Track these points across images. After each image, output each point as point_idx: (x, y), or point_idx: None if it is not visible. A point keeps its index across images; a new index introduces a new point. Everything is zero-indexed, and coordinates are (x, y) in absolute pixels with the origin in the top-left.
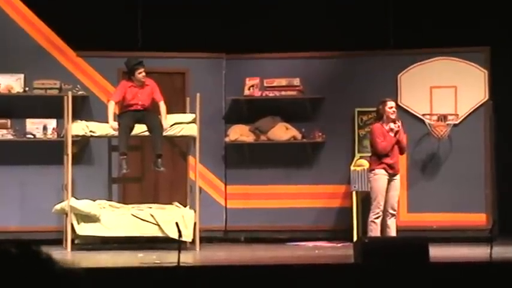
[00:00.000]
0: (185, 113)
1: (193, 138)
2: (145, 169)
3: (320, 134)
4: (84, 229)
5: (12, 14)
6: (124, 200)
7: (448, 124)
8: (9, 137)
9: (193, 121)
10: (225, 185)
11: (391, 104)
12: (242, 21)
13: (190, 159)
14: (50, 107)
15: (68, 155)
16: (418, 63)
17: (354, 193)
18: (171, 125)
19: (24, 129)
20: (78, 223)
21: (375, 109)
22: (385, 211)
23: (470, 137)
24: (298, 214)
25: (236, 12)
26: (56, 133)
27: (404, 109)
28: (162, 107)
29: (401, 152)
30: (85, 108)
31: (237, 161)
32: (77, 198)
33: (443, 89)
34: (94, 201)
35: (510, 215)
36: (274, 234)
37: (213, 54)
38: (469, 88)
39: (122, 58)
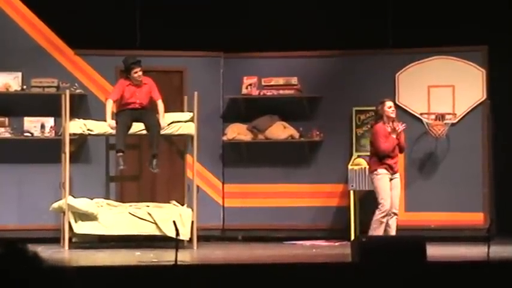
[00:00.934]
0: (183, 111)
1: (191, 136)
2: (143, 168)
3: (318, 133)
4: (82, 227)
5: (10, 13)
6: (121, 198)
7: (445, 123)
8: (7, 135)
9: (191, 120)
10: (223, 183)
11: (389, 103)
12: (240, 20)
13: (188, 157)
14: (47, 105)
15: (65, 153)
16: (416, 62)
17: (351, 192)
18: (169, 124)
19: (22, 128)
20: (76, 221)
21: (373, 108)
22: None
23: (468, 136)
24: (295, 213)
25: (234, 11)
26: (53, 131)
27: (402, 108)
28: (160, 105)
29: (400, 151)
30: (83, 106)
31: (235, 160)
32: (74, 197)
33: (441, 88)
34: (92, 199)
35: (508, 214)
36: (272, 233)
37: (211, 53)
38: (467, 87)
39: (120, 57)
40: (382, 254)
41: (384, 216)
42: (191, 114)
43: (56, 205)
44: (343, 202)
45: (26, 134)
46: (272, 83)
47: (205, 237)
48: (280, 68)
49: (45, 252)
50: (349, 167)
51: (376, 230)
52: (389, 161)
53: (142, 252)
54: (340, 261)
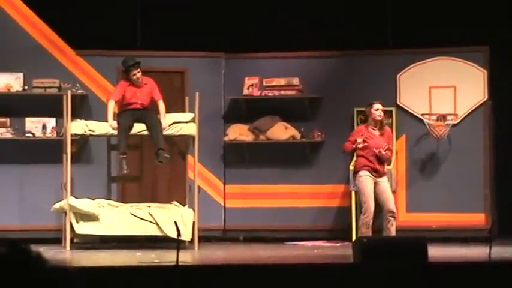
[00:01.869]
0: (184, 112)
1: (192, 137)
2: (145, 168)
3: (319, 133)
4: (83, 228)
5: (11, 13)
6: (123, 199)
7: (447, 124)
8: (9, 135)
9: (192, 120)
10: (224, 184)
11: (377, 106)
12: (241, 21)
13: (189, 158)
14: (49, 106)
15: (67, 154)
16: (417, 63)
17: (352, 193)
18: (170, 124)
19: (24, 128)
20: (77, 222)
21: None
22: (384, 215)
23: (469, 137)
24: (297, 213)
25: (235, 12)
26: (55, 132)
27: (403, 109)
28: (161, 106)
29: (385, 161)
30: (84, 107)
31: (236, 161)
32: (76, 197)
33: (442, 89)
34: (93, 200)
35: (509, 215)
36: (273, 234)
37: (212, 54)
38: (468, 88)
39: (122, 57)
40: (383, 254)
41: (367, 219)
42: (192, 114)
43: (57, 206)
44: (345, 203)
45: (27, 135)
46: (273, 84)
47: (206, 237)
48: (282, 69)
49: (48, 252)
50: (351, 167)
51: (364, 234)
52: (371, 165)
53: (143, 253)
54: (341, 262)
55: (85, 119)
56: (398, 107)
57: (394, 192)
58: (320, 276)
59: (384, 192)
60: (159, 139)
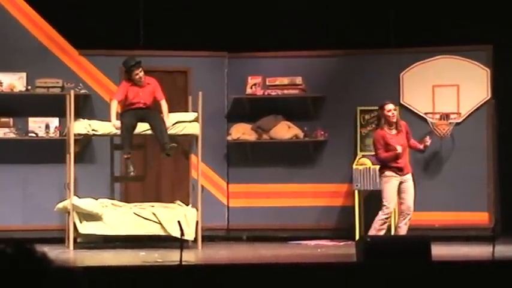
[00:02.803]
0: (187, 111)
1: (195, 136)
2: (148, 168)
3: (322, 132)
4: (87, 228)
5: (14, 13)
6: (126, 198)
7: (450, 123)
8: (12, 135)
9: (196, 120)
10: (227, 183)
11: (389, 107)
12: (244, 20)
13: (193, 157)
14: (52, 106)
15: (70, 153)
16: (420, 61)
17: (356, 192)
18: (173, 124)
19: (27, 128)
20: (81, 222)
21: (377, 108)
22: (400, 212)
23: (472, 135)
24: (300, 213)
25: (238, 11)
26: (58, 132)
27: (406, 108)
28: (164, 105)
29: (417, 150)
30: (87, 106)
31: (239, 160)
32: (79, 197)
33: (445, 88)
34: (96, 199)
35: None
36: (277, 233)
37: (215, 53)
38: (472, 87)
39: (124, 56)
40: (387, 253)
41: (386, 218)
42: (195, 114)
43: (60, 205)
44: (348, 202)
45: (30, 135)
46: (276, 83)
47: (209, 237)
48: (285, 68)
49: (52, 252)
50: (354, 166)
51: (377, 230)
52: (396, 164)
53: (147, 253)
54: (345, 261)
55: (88, 119)
56: (402, 106)
57: None
58: (323, 275)
59: (407, 191)
60: (164, 136)
